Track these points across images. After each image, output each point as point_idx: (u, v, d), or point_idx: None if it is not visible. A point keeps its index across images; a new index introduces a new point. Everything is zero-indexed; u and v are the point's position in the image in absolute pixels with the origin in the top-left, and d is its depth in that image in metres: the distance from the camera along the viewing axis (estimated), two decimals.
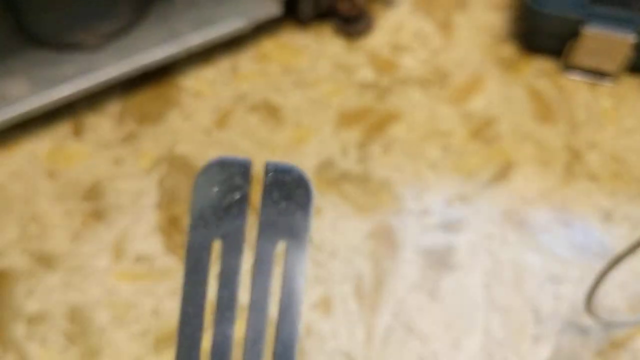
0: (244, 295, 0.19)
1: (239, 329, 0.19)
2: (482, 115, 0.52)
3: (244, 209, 0.18)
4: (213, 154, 0.50)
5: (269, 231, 0.19)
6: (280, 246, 0.19)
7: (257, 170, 0.19)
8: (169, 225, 0.46)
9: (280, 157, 0.50)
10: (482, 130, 0.51)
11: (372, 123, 0.52)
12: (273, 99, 0.53)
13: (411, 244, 0.45)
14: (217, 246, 0.19)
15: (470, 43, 0.58)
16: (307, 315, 0.42)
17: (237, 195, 0.18)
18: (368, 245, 0.45)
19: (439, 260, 0.44)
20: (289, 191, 0.18)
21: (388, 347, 0.41)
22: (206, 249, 0.19)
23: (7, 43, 0.55)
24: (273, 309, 0.19)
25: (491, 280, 0.44)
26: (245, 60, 0.56)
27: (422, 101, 0.53)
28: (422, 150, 0.50)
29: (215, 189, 0.18)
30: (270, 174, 0.18)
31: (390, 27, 0.59)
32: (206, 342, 0.19)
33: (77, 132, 0.52)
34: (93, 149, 0.51)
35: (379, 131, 0.51)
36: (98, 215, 0.47)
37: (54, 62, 0.53)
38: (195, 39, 0.53)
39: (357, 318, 0.42)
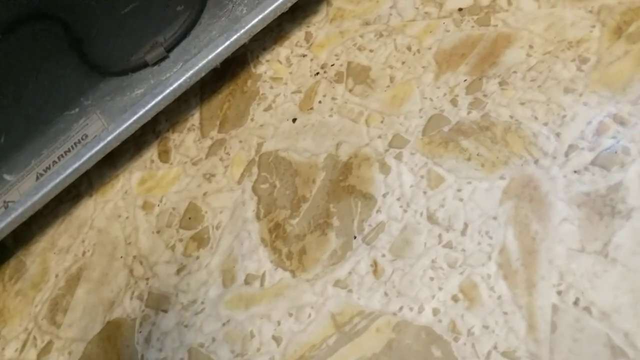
0: None
1: None
2: (623, 5, 0.40)
3: None
4: (304, 142, 0.43)
5: None
6: None
7: None
8: (271, 236, 0.41)
9: (380, 126, 0.42)
10: (627, 24, 0.39)
11: (480, 55, 0.42)
12: (358, 60, 0.45)
13: (563, 195, 0.35)
14: None
15: None
16: (448, 311, 0.34)
17: None
18: (507, 209, 0.36)
19: (605, 208, 0.34)
20: None
21: (561, 336, 0.32)
22: None
23: (77, 82, 0.53)
24: None
25: None
26: (317, 25, 0.48)
27: (537, 9, 0.42)
28: (551, 72, 0.39)
29: None
30: None
31: None
32: None
33: (163, 154, 0.48)
34: (181, 168, 0.47)
35: (491, 63, 0.41)
36: (199, 240, 0.43)
37: (123, 87, 0.50)
38: (255, 18, 0.46)
39: (511, 304, 0.33)
